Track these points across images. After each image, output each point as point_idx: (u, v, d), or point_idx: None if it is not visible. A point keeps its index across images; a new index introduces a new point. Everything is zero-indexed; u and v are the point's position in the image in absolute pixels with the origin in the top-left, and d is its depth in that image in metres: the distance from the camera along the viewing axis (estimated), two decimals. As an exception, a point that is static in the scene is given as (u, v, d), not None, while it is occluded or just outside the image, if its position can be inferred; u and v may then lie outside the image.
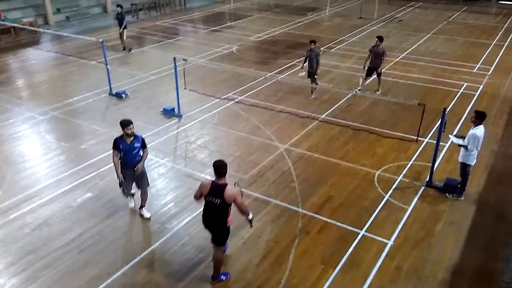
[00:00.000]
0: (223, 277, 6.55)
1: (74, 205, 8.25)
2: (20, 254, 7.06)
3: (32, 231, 7.58)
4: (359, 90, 13.26)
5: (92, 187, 8.78)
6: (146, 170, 7.88)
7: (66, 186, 8.82)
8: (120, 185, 7.67)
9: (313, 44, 12.68)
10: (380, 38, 13.04)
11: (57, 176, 9.14)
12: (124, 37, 17.48)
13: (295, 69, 15.63)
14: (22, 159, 9.87)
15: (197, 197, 6.15)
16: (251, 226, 6.51)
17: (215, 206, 5.94)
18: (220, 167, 5.88)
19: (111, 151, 7.44)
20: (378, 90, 13.38)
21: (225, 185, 5.86)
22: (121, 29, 17.22)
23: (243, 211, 6.04)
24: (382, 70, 13.39)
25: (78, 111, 12.34)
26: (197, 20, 24.60)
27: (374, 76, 13.40)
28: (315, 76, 12.92)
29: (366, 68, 13.23)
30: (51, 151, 10.22)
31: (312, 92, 13.14)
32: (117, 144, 7.34)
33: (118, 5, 17.49)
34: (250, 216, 6.13)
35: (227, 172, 5.96)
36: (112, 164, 7.51)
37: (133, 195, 7.99)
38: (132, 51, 17.72)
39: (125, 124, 7.28)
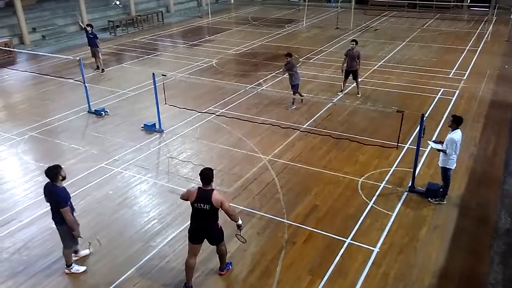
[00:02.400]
0: (229, 266, 6.92)
1: (54, 227, 7.97)
2: (-1, 280, 6.83)
3: (11, 256, 7.35)
4: (341, 91, 14.28)
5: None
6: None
7: (45, 207, 8.52)
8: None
9: (288, 57, 12.83)
10: (356, 42, 13.86)
11: (36, 198, 8.90)
12: (100, 56, 17.34)
13: (275, 80, 15.75)
14: (-1, 182, 9.63)
15: (183, 199, 6.37)
16: (240, 231, 6.46)
17: (205, 211, 6.12)
18: (206, 175, 6.11)
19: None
20: (358, 93, 14.03)
21: (212, 190, 6.11)
22: (97, 48, 17.06)
23: (231, 216, 6.27)
24: (360, 79, 13.62)
25: (56, 131, 12.13)
26: (176, 35, 24.61)
27: (351, 78, 14.06)
28: (297, 88, 12.99)
29: (344, 71, 14.04)
30: (30, 172, 9.99)
31: (292, 103, 13.21)
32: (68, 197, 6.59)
33: (88, 25, 17.33)
34: (240, 222, 6.33)
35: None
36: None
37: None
38: (105, 71, 17.49)
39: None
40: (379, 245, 7.38)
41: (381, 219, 8.04)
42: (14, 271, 7.00)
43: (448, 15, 28.60)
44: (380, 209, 8.32)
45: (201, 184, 6.14)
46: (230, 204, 6.58)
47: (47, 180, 6.48)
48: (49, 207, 6.63)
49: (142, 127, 11.98)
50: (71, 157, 10.57)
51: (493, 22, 25.25)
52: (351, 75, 14.00)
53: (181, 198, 6.45)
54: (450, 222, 7.96)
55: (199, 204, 6.09)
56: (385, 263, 6.99)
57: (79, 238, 6.91)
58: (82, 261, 7.16)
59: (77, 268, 6.96)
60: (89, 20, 24.93)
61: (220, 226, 6.41)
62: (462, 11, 30.20)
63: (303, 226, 7.88)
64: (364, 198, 8.66)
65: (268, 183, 9.27)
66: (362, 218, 8.06)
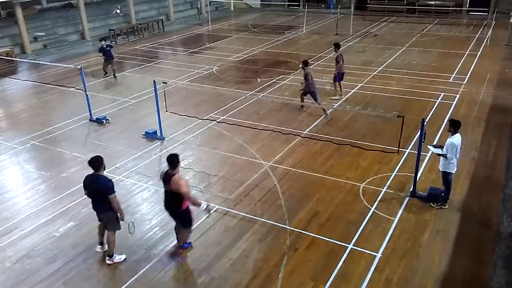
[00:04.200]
0: (186, 246, 7.43)
1: (56, 235, 8.05)
2: (1, 289, 6.83)
3: (14, 265, 7.35)
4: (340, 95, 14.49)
5: (75, 215, 8.59)
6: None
7: (47, 216, 8.62)
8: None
9: (303, 65, 13.00)
10: (337, 45, 14.35)
11: (38, 206, 8.93)
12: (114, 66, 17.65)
13: (275, 87, 15.81)
14: (1, 191, 9.63)
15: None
16: (208, 215, 7.51)
17: (167, 192, 6.83)
18: (170, 159, 6.72)
19: None
20: (338, 95, 14.40)
21: (173, 174, 6.66)
22: (112, 60, 17.26)
23: (192, 202, 6.80)
24: (360, 84, 13.65)
25: (58, 139, 12.17)
26: (176, 43, 24.73)
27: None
28: (315, 96, 13.02)
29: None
30: (31, 181, 10.01)
31: (324, 110, 12.97)
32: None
33: (102, 39, 17.47)
34: (203, 207, 6.93)
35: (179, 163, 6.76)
36: None
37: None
38: (108, 75, 17.67)
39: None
40: (381, 250, 7.36)
41: (383, 224, 8.03)
42: (16, 280, 7.00)
43: (447, 20, 28.70)
44: (382, 214, 8.32)
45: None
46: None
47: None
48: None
49: (143, 134, 12.01)
50: (73, 165, 10.59)
51: (492, 26, 25.33)
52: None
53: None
54: (452, 226, 7.95)
55: (164, 185, 6.83)
56: (388, 268, 6.97)
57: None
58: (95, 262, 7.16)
59: (119, 257, 7.31)
60: (90, 29, 25.16)
61: (184, 209, 6.84)
62: (461, 15, 30.30)
63: (305, 232, 7.87)
64: (366, 204, 8.65)
65: (269, 189, 9.28)
66: (364, 223, 8.05)
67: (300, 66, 13.24)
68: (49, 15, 25.75)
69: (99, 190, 6.84)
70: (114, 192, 6.85)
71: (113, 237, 7.18)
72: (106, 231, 7.26)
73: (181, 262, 7.25)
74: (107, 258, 7.26)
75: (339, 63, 14.07)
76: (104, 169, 7.01)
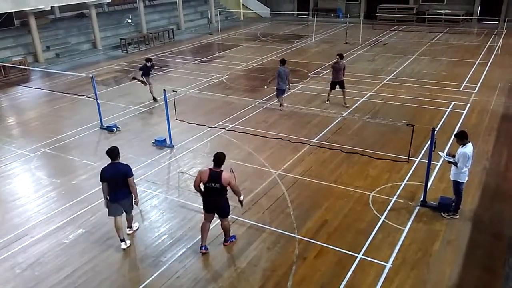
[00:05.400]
0: (233, 239, 7.85)
1: (66, 242, 8.09)
2: (11, 295, 6.87)
3: (23, 271, 7.40)
4: (327, 102, 14.79)
5: (84, 222, 8.64)
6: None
7: (57, 223, 8.68)
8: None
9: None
10: (341, 56, 14.39)
11: (49, 213, 9.00)
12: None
13: (285, 94, 15.81)
14: (12, 198, 9.73)
15: (196, 184, 7.27)
16: (241, 206, 7.69)
17: (215, 189, 7.18)
18: (219, 158, 7.19)
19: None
20: (345, 104, 14.40)
21: (221, 171, 7.16)
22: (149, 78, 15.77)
23: (236, 192, 7.37)
24: (369, 93, 13.61)
25: (69, 147, 12.29)
26: (186, 52, 24.94)
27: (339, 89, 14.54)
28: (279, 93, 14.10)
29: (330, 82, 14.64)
30: (42, 188, 10.11)
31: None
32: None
33: (148, 59, 15.67)
34: (241, 198, 7.50)
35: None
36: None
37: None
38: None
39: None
40: (391, 260, 7.28)
41: (393, 234, 7.95)
42: (26, 286, 7.04)
43: (458, 29, 28.58)
44: (392, 223, 8.24)
45: (212, 165, 7.18)
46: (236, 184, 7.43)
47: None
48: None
49: (153, 142, 12.09)
50: (83, 172, 10.68)
51: (503, 35, 25.15)
52: (337, 85, 14.41)
53: (194, 184, 7.31)
54: (464, 237, 7.84)
55: (210, 184, 7.15)
56: (397, 279, 6.89)
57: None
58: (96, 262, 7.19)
59: (135, 225, 8.34)
60: (102, 39, 25.49)
61: (227, 199, 7.41)
62: (471, 24, 30.16)
63: (314, 241, 7.82)
64: (376, 213, 8.58)
65: (278, 198, 9.25)
66: (373, 233, 7.98)
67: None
68: (61, 25, 26.16)
69: (119, 174, 7.46)
70: (133, 175, 7.60)
71: (130, 216, 8.10)
72: (126, 216, 8.00)
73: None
74: (127, 228, 8.19)
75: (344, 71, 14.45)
76: (119, 159, 7.66)
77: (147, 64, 15.52)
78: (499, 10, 29.53)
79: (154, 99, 15.70)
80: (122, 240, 7.82)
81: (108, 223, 8.49)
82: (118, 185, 7.49)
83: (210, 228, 7.64)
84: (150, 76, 15.93)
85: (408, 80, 17.20)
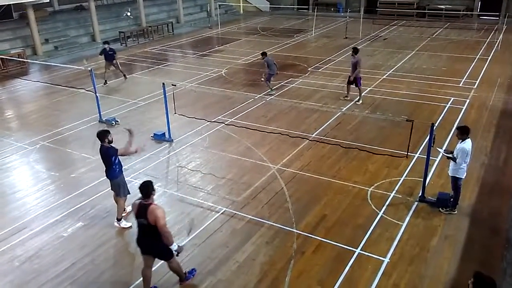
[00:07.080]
0: (191, 276, 6.79)
1: (65, 235, 8.10)
2: (10, 288, 6.89)
3: (22, 264, 7.41)
4: (346, 97, 14.59)
5: (83, 216, 8.65)
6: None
7: (56, 216, 8.69)
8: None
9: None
10: (354, 50, 14.28)
11: (47, 207, 9.01)
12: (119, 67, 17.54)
13: (283, 90, 15.81)
14: (11, 191, 9.73)
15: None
16: (177, 255, 6.35)
17: (144, 226, 5.91)
18: (146, 187, 5.90)
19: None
20: (358, 100, 14.28)
21: (149, 204, 5.82)
22: (114, 61, 17.12)
23: (165, 238, 5.84)
24: (369, 88, 13.61)
25: (68, 140, 12.27)
26: (186, 46, 24.85)
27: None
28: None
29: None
30: (41, 181, 10.10)
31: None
32: None
33: (105, 42, 17.46)
34: (174, 247, 6.00)
35: (154, 192, 6.02)
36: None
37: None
38: (108, 83, 17.33)
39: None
40: (389, 255, 7.31)
41: (391, 229, 7.98)
42: (25, 279, 7.06)
43: (458, 24, 28.51)
44: (390, 219, 8.26)
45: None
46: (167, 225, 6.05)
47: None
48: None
49: (152, 136, 12.07)
50: (82, 166, 10.68)
51: (503, 30, 25.06)
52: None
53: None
54: (461, 232, 7.87)
55: (139, 219, 5.96)
56: (395, 273, 6.92)
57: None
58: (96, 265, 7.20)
59: (125, 223, 8.18)
60: (101, 32, 25.37)
61: (164, 245, 6.01)
62: (471, 20, 30.07)
63: (312, 236, 7.85)
64: (374, 208, 8.60)
65: (277, 192, 9.27)
66: (371, 228, 8.01)
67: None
68: (60, 17, 26.03)
69: (105, 155, 7.93)
70: (116, 155, 7.93)
71: (122, 202, 8.14)
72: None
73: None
74: (115, 221, 8.19)
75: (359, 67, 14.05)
76: (110, 143, 7.99)
77: (106, 47, 16.57)
78: (500, 6, 29.44)
79: (105, 82, 17.06)
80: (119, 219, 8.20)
81: (107, 217, 8.53)
82: (105, 165, 8.09)
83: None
84: (114, 62, 16.93)
85: (407, 76, 17.18)
